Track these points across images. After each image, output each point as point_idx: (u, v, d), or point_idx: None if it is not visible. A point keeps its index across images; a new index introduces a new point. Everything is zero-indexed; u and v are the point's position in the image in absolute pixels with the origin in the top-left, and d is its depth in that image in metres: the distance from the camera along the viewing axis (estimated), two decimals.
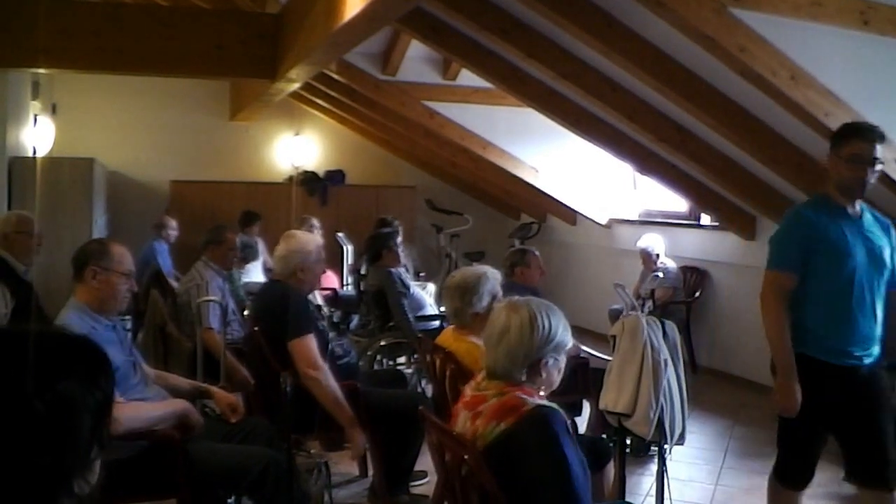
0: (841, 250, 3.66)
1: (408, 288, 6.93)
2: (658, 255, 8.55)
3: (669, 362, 3.88)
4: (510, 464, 2.60)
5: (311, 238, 5.03)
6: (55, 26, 7.73)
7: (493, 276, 4.45)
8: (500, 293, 4.35)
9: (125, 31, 8.00)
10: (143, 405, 3.57)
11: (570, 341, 2.88)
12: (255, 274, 8.88)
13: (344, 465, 5.38)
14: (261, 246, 9.90)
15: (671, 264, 8.64)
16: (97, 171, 10.44)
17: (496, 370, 2.81)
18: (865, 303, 3.69)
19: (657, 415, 3.78)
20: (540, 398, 2.75)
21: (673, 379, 3.88)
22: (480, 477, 2.61)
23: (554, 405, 2.70)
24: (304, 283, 4.78)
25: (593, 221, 10.84)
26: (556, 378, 2.86)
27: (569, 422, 2.74)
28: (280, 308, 4.55)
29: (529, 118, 9.16)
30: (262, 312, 4.84)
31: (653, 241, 8.63)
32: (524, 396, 2.69)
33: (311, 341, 4.45)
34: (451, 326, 4.56)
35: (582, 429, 5.29)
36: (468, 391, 2.91)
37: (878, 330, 3.76)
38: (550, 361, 2.80)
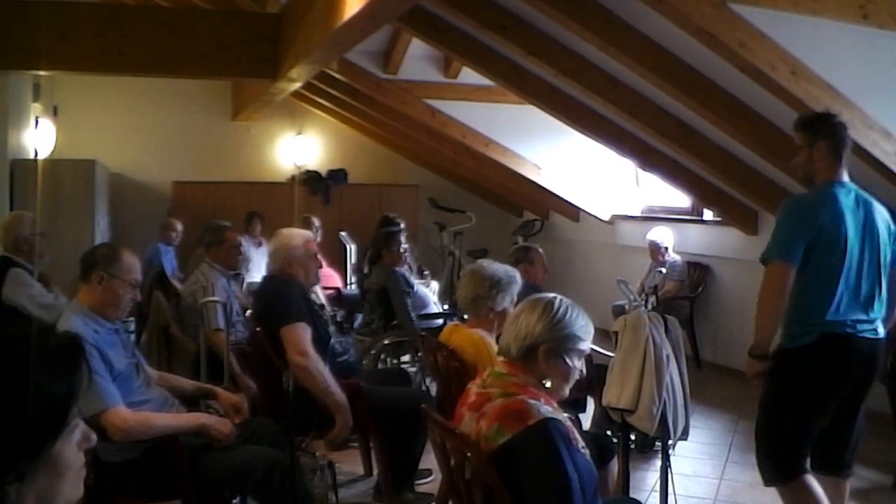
0: None
1: (411, 286, 6.92)
2: (667, 249, 8.60)
3: (672, 358, 3.88)
4: (511, 474, 2.57)
5: (297, 232, 5.01)
6: (56, 28, 7.74)
7: (519, 282, 4.44)
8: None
9: (126, 33, 8.01)
10: (153, 416, 3.57)
11: (583, 344, 2.79)
12: (258, 275, 8.87)
13: (349, 464, 5.38)
14: (264, 247, 9.90)
15: (677, 258, 8.66)
16: (99, 173, 10.46)
17: (501, 345, 2.84)
18: None
19: (660, 410, 3.79)
20: (548, 403, 2.68)
21: (675, 374, 3.89)
22: (484, 476, 2.60)
23: (560, 416, 2.63)
24: (296, 277, 4.77)
25: (596, 218, 10.84)
26: (562, 383, 2.78)
27: (574, 431, 2.66)
28: (277, 297, 4.59)
29: (531, 115, 9.16)
30: (260, 310, 4.86)
31: (662, 234, 8.67)
32: (531, 401, 2.63)
33: (302, 329, 4.45)
34: (454, 323, 4.55)
35: (586, 425, 5.29)
36: (473, 389, 2.89)
37: None
38: (553, 356, 2.72)
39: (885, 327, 3.90)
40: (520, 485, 2.56)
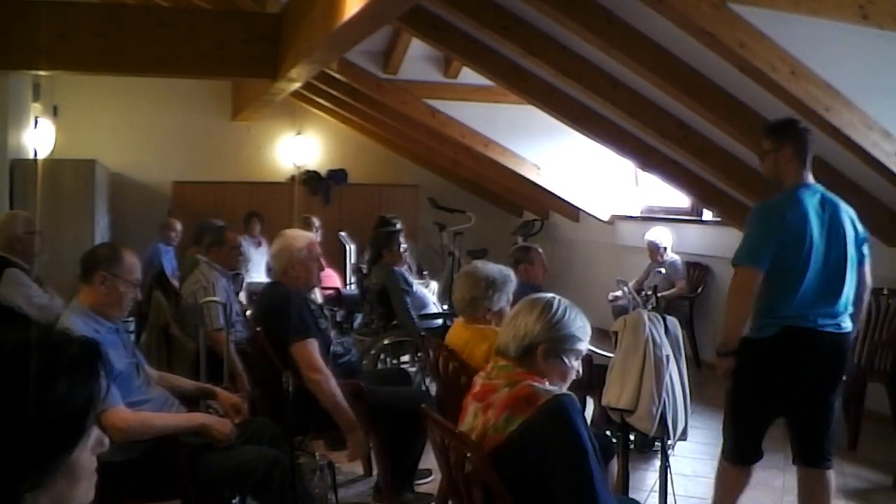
0: None
1: (411, 286, 6.92)
2: (665, 249, 8.61)
3: (671, 358, 3.88)
4: (527, 457, 2.57)
5: (301, 234, 5.00)
6: (56, 28, 7.74)
7: (514, 280, 4.46)
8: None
9: (126, 32, 8.02)
10: (153, 416, 3.57)
11: (581, 344, 2.83)
12: (257, 275, 8.88)
13: (348, 464, 5.38)
14: (263, 247, 9.92)
15: (676, 257, 8.66)
16: (99, 173, 10.46)
17: (499, 345, 2.84)
18: None
19: (660, 410, 3.79)
20: (553, 383, 2.73)
21: (675, 374, 3.89)
22: (484, 475, 2.60)
23: (568, 392, 2.67)
24: (299, 280, 4.75)
25: (596, 218, 10.84)
26: (559, 383, 2.80)
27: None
28: (280, 310, 4.55)
29: (531, 115, 9.16)
30: (263, 314, 4.85)
31: (661, 234, 8.68)
32: (535, 385, 2.66)
33: (312, 345, 4.45)
34: (460, 320, 4.54)
35: None
36: (478, 380, 2.90)
37: None
38: (552, 356, 2.75)
39: (853, 323, 4.06)
40: (534, 469, 2.57)
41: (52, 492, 1.30)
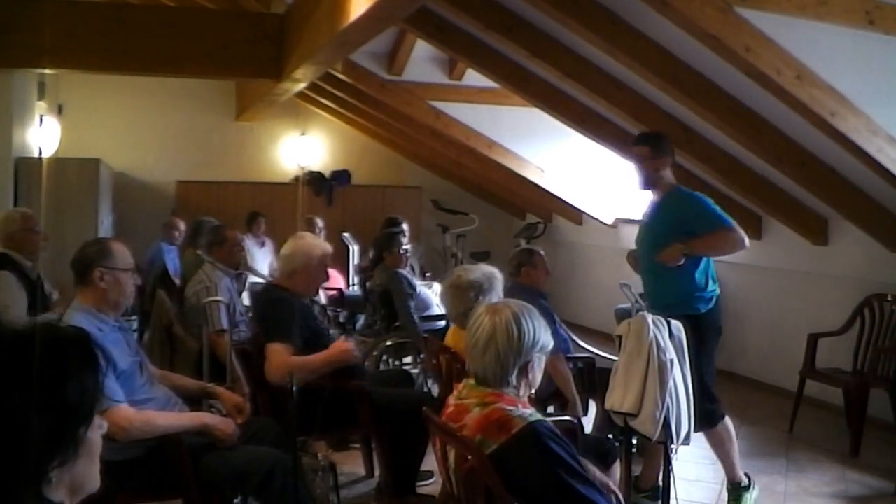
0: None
1: (414, 288, 6.92)
2: None
3: (675, 362, 3.87)
4: (507, 480, 2.59)
5: (320, 244, 4.98)
6: (61, 27, 7.77)
7: (499, 276, 4.46)
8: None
9: (131, 32, 8.04)
10: (156, 415, 3.57)
11: (551, 341, 2.88)
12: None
13: (350, 465, 5.38)
14: (267, 247, 9.94)
15: None
16: (103, 172, 10.48)
17: (486, 377, 2.79)
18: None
19: (663, 415, 3.78)
20: (524, 405, 2.74)
21: (679, 379, 3.87)
22: (485, 478, 2.60)
23: (539, 415, 2.69)
24: (300, 285, 4.76)
25: (599, 221, 10.82)
26: (539, 377, 2.87)
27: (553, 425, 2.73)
28: (267, 312, 4.63)
29: (535, 117, 9.16)
30: (257, 315, 4.87)
31: None
32: (509, 408, 2.67)
33: (280, 349, 4.44)
34: (455, 326, 4.54)
35: (588, 428, 5.29)
36: (451, 401, 2.90)
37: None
38: (536, 362, 2.82)
39: None
40: (514, 489, 2.59)
41: (73, 470, 1.46)
